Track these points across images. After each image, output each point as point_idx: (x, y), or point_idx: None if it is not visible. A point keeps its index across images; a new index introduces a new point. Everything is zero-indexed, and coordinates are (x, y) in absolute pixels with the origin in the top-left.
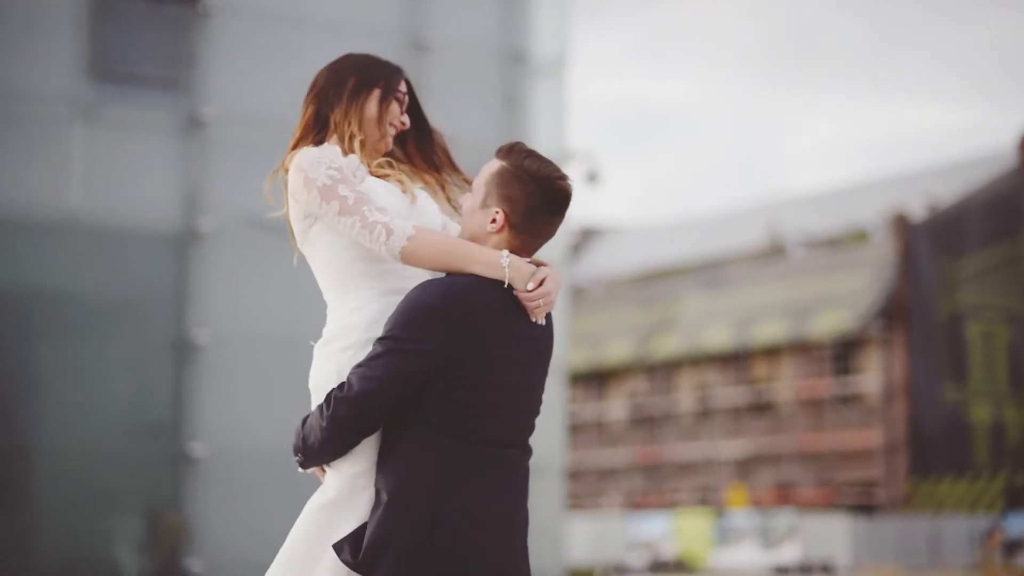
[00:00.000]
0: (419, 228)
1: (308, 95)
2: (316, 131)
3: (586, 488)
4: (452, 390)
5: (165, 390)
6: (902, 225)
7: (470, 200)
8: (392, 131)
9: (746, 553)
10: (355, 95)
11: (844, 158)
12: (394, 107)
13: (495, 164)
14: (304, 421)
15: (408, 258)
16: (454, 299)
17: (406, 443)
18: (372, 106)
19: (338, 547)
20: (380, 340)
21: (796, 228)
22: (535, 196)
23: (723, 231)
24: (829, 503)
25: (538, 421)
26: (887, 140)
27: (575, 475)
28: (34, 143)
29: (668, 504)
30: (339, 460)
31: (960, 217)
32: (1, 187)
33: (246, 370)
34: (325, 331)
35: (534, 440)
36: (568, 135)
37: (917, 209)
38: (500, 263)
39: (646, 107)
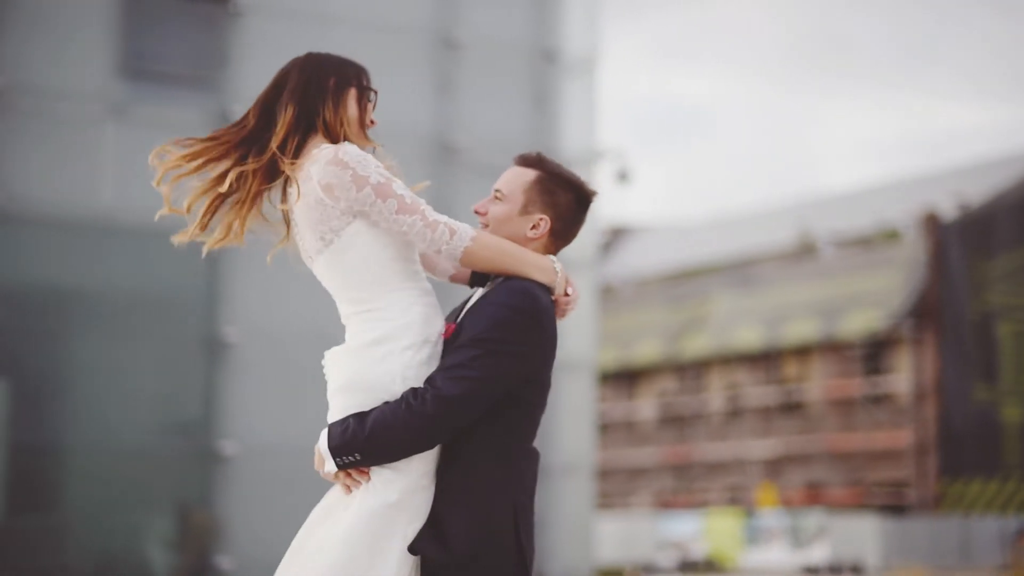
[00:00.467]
0: (477, 229)
1: (279, 94)
2: (300, 132)
3: (616, 487)
4: (528, 390)
5: (196, 388)
6: (933, 224)
7: (502, 207)
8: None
9: (776, 553)
10: (338, 94)
11: (875, 157)
12: (368, 106)
13: (530, 173)
14: (354, 420)
15: (467, 258)
16: (542, 303)
17: (479, 439)
18: (352, 105)
19: (420, 546)
20: (477, 342)
21: (826, 227)
22: (573, 203)
23: (753, 230)
24: (859, 503)
25: (568, 420)
26: (918, 139)
27: (604, 474)
28: (66, 142)
29: (698, 504)
30: (408, 459)
31: (991, 216)
32: (33, 185)
33: (276, 367)
34: (372, 331)
35: (565, 438)
36: (598, 133)
37: (948, 208)
38: (553, 267)
39: (676, 105)
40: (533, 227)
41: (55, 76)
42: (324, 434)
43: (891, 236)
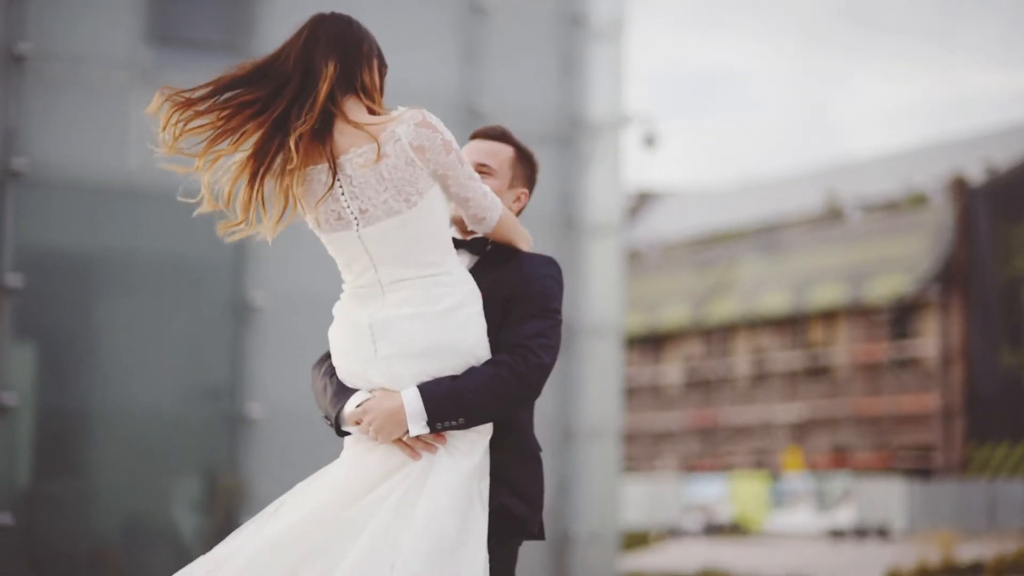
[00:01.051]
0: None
1: (315, 47)
2: (340, 91)
3: (642, 451)
4: None
5: (223, 352)
6: (960, 189)
7: (494, 182)
8: None
9: (801, 516)
10: (370, 59)
11: (903, 122)
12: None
13: (508, 148)
14: (454, 385)
15: (496, 228)
16: None
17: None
18: (377, 74)
19: (508, 502)
20: (549, 312)
21: (854, 192)
22: (535, 177)
23: (781, 195)
24: (885, 467)
25: (594, 385)
26: (947, 104)
27: (631, 438)
28: (92, 108)
29: (723, 467)
30: (485, 425)
31: (1019, 181)
32: (61, 150)
33: (304, 332)
34: (447, 296)
35: (591, 402)
36: (626, 98)
37: (976, 173)
38: (530, 240)
39: (704, 71)
40: (516, 200)
41: (81, 42)
42: (411, 397)
43: (918, 201)
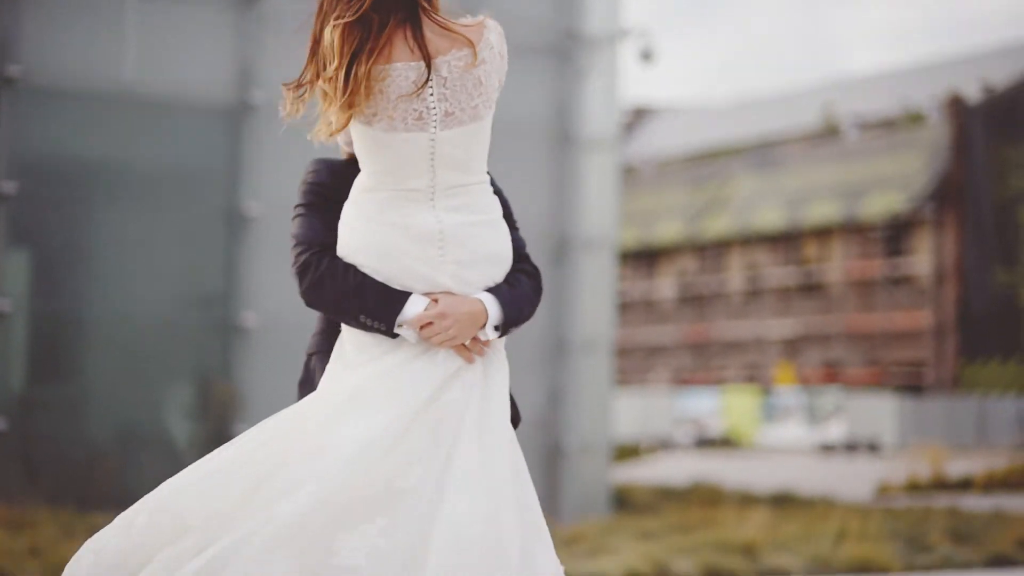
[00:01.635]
0: None
1: None
2: None
3: (634, 365)
4: None
5: (217, 261)
6: (957, 108)
7: None
8: None
9: (792, 431)
10: None
11: (900, 40)
12: None
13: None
14: (515, 293)
15: None
16: None
17: None
18: None
19: (512, 412)
20: (515, 223)
21: (850, 110)
22: None
23: (777, 112)
24: (876, 383)
25: (588, 298)
26: (944, 22)
27: (623, 352)
28: (89, 15)
29: (715, 381)
30: None
31: (1015, 101)
32: (56, 58)
33: None
34: (496, 206)
35: (584, 315)
36: (623, 12)
37: (973, 92)
38: None
39: None
40: None
41: None
42: (490, 302)
43: (915, 119)
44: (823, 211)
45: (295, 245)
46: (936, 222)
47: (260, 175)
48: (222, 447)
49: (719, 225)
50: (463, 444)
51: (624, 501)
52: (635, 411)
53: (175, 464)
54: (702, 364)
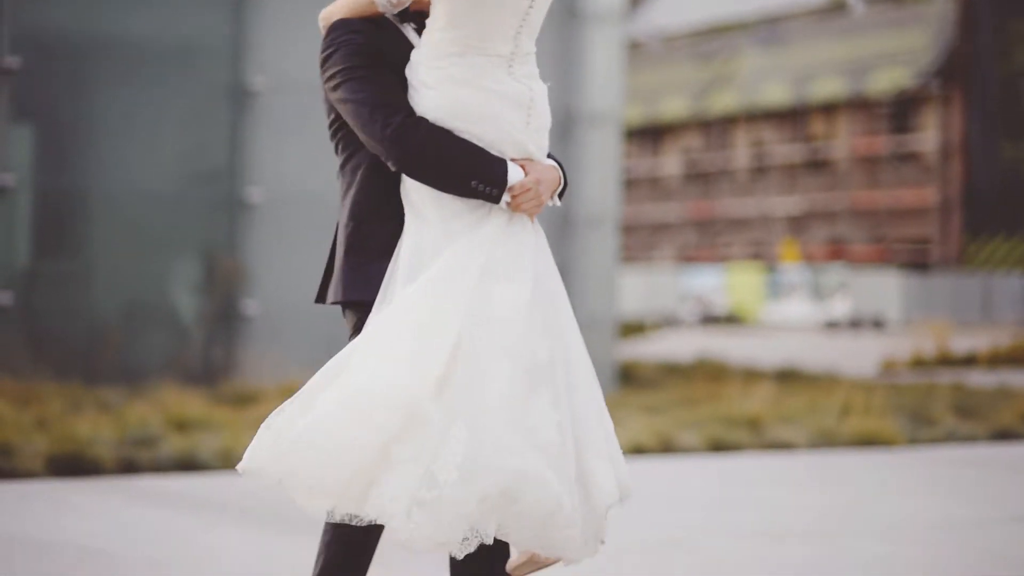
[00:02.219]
0: None
1: None
2: None
3: (639, 242)
4: None
5: (222, 136)
6: None
7: None
8: None
9: (797, 308)
10: None
11: None
12: None
13: None
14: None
15: None
16: None
17: None
18: None
19: None
20: None
21: None
22: None
23: None
24: (881, 260)
25: (593, 174)
26: None
27: (628, 229)
28: None
29: (720, 259)
30: None
31: None
32: None
33: (302, 116)
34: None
35: (590, 191)
36: None
37: None
38: None
39: None
40: None
41: None
42: (557, 169)
43: None
44: (829, 87)
45: (375, 108)
46: (942, 98)
47: (264, 50)
48: (392, 314)
49: (725, 101)
50: (569, 319)
51: (629, 377)
52: (640, 288)
53: (180, 339)
54: (707, 241)
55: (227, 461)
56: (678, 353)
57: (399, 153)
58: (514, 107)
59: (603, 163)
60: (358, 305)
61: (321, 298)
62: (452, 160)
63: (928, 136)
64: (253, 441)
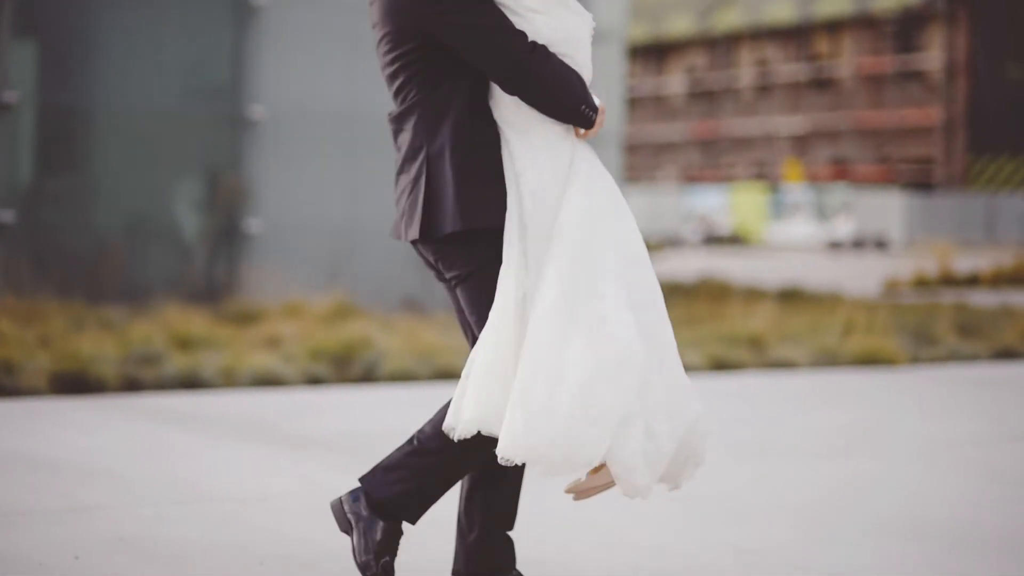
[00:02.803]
0: None
1: None
2: None
3: (643, 161)
4: None
5: (224, 52)
6: None
7: None
8: None
9: (800, 228)
10: None
11: None
12: None
13: None
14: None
15: None
16: None
17: None
18: None
19: None
20: None
21: None
22: None
23: None
24: (885, 180)
25: (596, 93)
26: None
27: (632, 148)
28: None
29: (724, 179)
30: None
31: None
32: None
33: (306, 31)
34: None
35: None
36: None
37: None
38: None
39: None
40: None
41: None
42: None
43: None
44: (834, 5)
45: (508, 34)
46: (948, 16)
47: None
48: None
49: (729, 19)
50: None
51: None
52: (644, 208)
53: (182, 256)
54: (711, 161)
55: (230, 379)
56: (681, 273)
57: (532, 79)
58: (588, 33)
59: (606, 82)
60: (480, 232)
61: (405, 233)
62: (571, 86)
63: (933, 55)
64: (506, 424)
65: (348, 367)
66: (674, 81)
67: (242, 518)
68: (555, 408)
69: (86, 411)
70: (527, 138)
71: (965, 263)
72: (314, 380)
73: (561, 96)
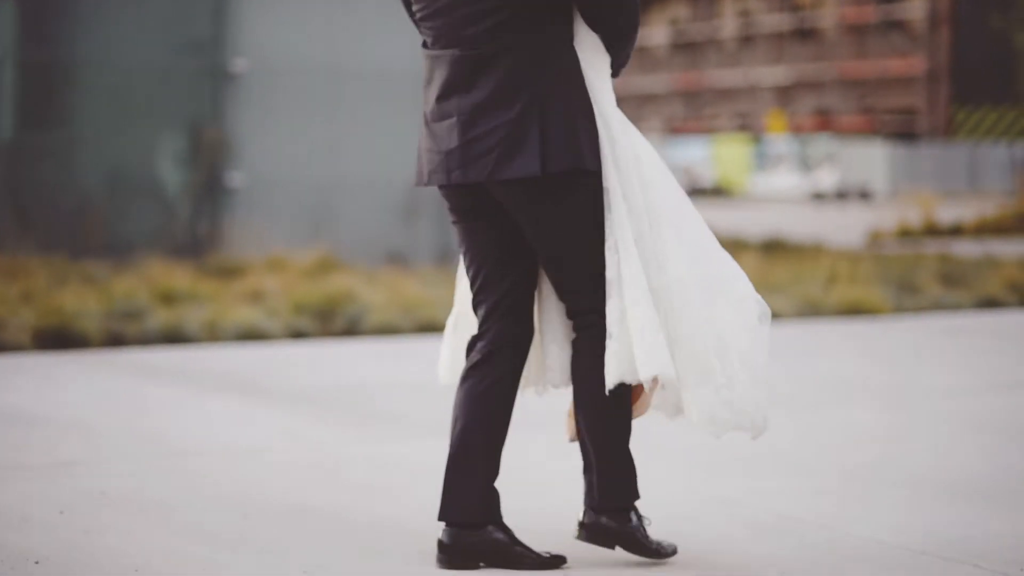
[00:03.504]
0: None
1: None
2: None
3: (626, 113)
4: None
5: (206, 6)
6: None
7: None
8: None
9: (784, 179)
10: None
11: None
12: None
13: None
14: None
15: None
16: None
17: None
18: None
19: None
20: None
21: None
22: None
23: None
24: (869, 130)
25: None
26: None
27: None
28: None
29: (707, 130)
30: None
31: None
32: None
33: None
34: None
35: None
36: None
37: None
38: None
39: None
40: None
41: None
42: None
43: None
44: None
45: None
46: None
47: None
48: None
49: None
50: None
51: None
52: None
53: (165, 210)
54: (694, 112)
55: (212, 333)
56: None
57: (635, 23)
58: None
59: None
60: (584, 172)
61: (493, 171)
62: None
63: (916, 4)
64: (698, 402)
65: (331, 321)
66: (657, 33)
67: (225, 471)
68: (734, 377)
69: (69, 366)
70: (604, 80)
71: (948, 213)
72: (297, 334)
73: (634, 42)
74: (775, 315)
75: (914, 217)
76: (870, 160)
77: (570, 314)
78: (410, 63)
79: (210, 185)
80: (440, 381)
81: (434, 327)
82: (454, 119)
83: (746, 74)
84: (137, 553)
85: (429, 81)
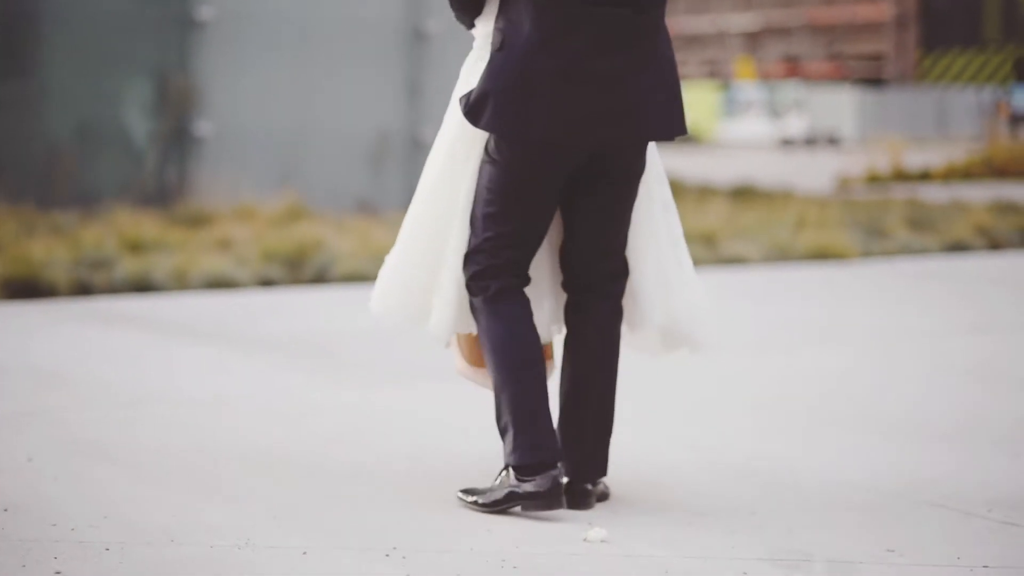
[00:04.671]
0: None
1: None
2: None
3: None
4: None
5: None
6: None
7: None
8: None
9: (752, 126)
10: None
11: None
12: None
13: None
14: None
15: None
16: None
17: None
18: None
19: (461, 99)
20: None
21: None
22: None
23: None
24: (837, 76)
25: None
26: None
27: None
28: None
29: None
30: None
31: None
32: None
33: None
34: None
35: None
36: None
37: None
38: None
39: None
40: None
41: None
42: None
43: None
44: None
45: None
46: None
47: None
48: None
49: None
50: None
51: None
52: None
53: (133, 160)
54: None
55: (181, 282)
56: None
57: None
58: None
59: None
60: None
61: (652, 130)
62: None
63: None
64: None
65: (300, 269)
66: None
67: (195, 419)
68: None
69: (37, 315)
70: None
71: (917, 159)
72: (266, 282)
73: None
74: (744, 260)
75: (882, 162)
76: (838, 106)
77: (604, 276)
78: (378, 11)
79: (178, 134)
80: (371, 311)
81: None
82: (620, 76)
83: (714, 21)
84: (106, 500)
85: (564, 34)
